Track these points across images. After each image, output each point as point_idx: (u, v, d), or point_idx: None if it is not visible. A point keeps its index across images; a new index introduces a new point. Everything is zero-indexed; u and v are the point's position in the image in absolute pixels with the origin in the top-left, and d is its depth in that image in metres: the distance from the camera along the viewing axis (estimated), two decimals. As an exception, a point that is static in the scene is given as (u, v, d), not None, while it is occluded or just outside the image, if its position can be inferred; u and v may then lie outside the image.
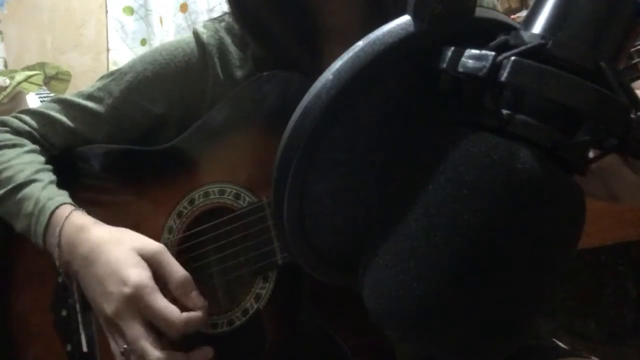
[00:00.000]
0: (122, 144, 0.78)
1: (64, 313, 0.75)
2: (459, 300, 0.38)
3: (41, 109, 0.80)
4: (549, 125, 0.38)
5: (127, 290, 0.62)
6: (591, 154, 0.41)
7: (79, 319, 0.73)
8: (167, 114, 0.77)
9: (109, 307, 0.63)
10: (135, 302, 0.62)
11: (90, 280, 0.66)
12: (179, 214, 0.71)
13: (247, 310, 0.67)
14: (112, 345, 0.65)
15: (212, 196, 0.69)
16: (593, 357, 0.71)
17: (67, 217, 0.69)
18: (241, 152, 0.70)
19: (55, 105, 0.80)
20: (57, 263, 0.69)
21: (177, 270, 0.65)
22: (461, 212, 0.37)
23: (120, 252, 0.65)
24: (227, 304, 0.70)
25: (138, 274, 0.63)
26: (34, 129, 0.79)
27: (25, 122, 0.79)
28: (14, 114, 0.81)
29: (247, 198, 0.67)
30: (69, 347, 0.74)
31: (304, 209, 0.45)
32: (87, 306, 0.72)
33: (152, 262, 0.65)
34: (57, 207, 0.70)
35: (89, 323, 0.73)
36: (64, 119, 0.78)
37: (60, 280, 0.74)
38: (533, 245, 0.38)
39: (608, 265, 1.57)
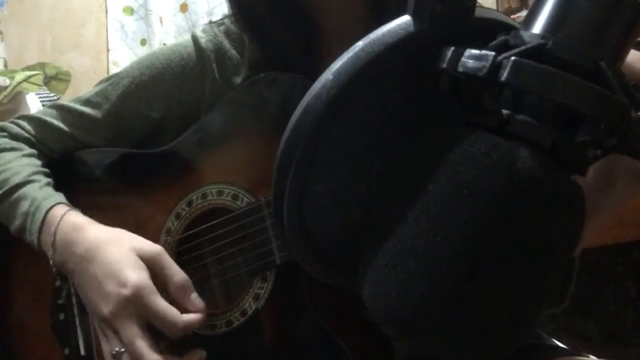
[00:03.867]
0: (122, 148, 0.78)
1: (62, 317, 0.74)
2: (459, 300, 0.38)
3: (38, 115, 0.80)
4: (548, 125, 0.38)
5: (126, 291, 0.62)
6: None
7: (77, 323, 0.73)
8: (164, 118, 0.77)
9: (106, 308, 0.63)
10: (134, 304, 0.62)
11: (86, 279, 0.66)
12: (178, 216, 0.71)
13: (246, 311, 0.67)
14: (105, 347, 0.65)
15: (210, 197, 0.69)
16: (593, 357, 0.71)
17: (62, 216, 0.69)
18: (239, 153, 0.70)
19: (53, 112, 0.80)
20: (51, 262, 0.69)
21: (176, 272, 0.65)
22: (461, 212, 0.37)
23: (118, 252, 0.65)
24: (225, 304, 0.70)
25: (137, 275, 0.63)
26: (31, 134, 0.79)
27: (22, 128, 0.79)
28: (11, 119, 0.81)
29: (245, 199, 0.67)
30: (66, 351, 0.74)
31: (304, 209, 0.45)
32: (84, 310, 0.72)
33: (150, 264, 0.65)
34: (52, 206, 0.70)
35: (87, 327, 0.73)
36: (61, 125, 0.78)
37: (58, 284, 0.74)
38: (533, 245, 0.38)
39: (608, 265, 1.57)
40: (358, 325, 0.66)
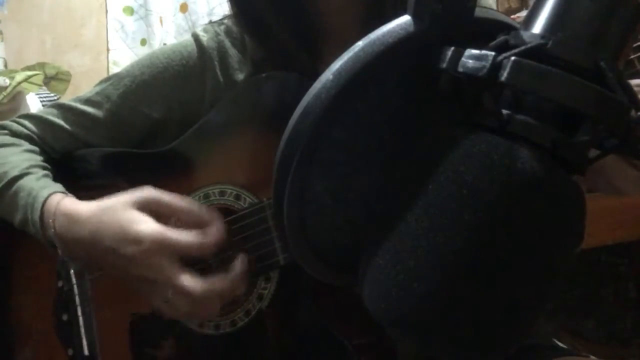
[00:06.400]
0: (123, 148, 0.78)
1: (65, 317, 0.74)
2: (459, 300, 0.38)
3: (40, 114, 0.80)
4: (548, 125, 0.38)
5: (144, 246, 0.62)
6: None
7: (80, 323, 0.73)
8: (166, 118, 0.77)
9: (136, 270, 0.63)
10: (157, 251, 0.62)
11: (104, 256, 0.65)
12: None
13: (250, 311, 0.67)
14: (156, 303, 0.64)
15: (213, 197, 0.69)
16: (593, 357, 0.71)
17: (57, 206, 0.69)
18: (241, 153, 0.70)
19: (54, 110, 0.80)
20: (60, 252, 0.69)
21: (176, 200, 0.65)
22: (461, 212, 0.37)
23: (116, 217, 0.65)
24: (229, 305, 0.70)
25: (146, 226, 0.63)
26: (33, 132, 0.79)
27: (24, 126, 0.79)
28: (13, 118, 0.81)
29: (247, 199, 0.67)
30: (70, 352, 0.74)
31: (305, 209, 0.45)
32: (87, 310, 0.72)
33: (148, 208, 0.65)
34: (49, 196, 0.70)
35: (90, 327, 0.73)
36: (62, 123, 0.78)
37: (60, 284, 0.74)
38: (533, 245, 0.38)
39: (608, 265, 1.58)
40: (362, 325, 0.66)
